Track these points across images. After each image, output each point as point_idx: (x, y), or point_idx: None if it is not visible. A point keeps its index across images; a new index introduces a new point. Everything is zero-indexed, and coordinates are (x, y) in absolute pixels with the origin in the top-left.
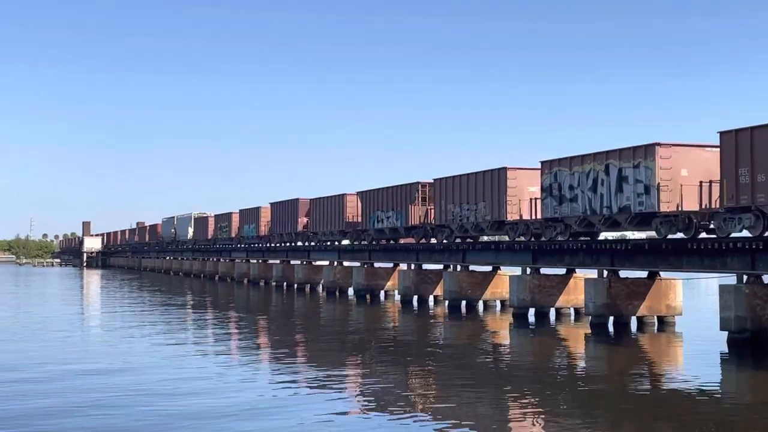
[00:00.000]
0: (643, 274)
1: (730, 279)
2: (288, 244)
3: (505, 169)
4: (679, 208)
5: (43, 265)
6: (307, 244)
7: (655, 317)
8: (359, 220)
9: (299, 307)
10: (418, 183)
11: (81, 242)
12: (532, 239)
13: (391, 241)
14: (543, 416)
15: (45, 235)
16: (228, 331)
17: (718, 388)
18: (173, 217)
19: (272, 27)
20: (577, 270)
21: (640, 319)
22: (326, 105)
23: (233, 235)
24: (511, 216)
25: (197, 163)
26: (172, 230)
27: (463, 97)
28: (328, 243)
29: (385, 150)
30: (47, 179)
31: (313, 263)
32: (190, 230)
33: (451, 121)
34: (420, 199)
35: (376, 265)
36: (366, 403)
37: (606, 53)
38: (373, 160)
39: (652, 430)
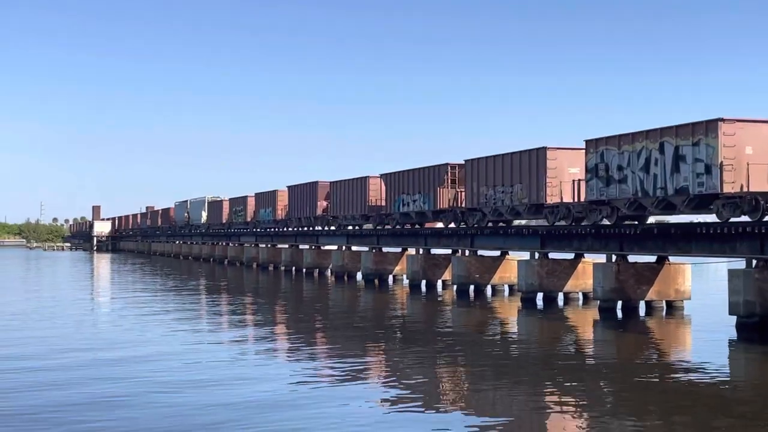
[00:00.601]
0: (652, 258)
1: (740, 263)
2: (306, 228)
3: (544, 149)
4: (744, 189)
5: (54, 249)
6: (326, 228)
7: (664, 302)
8: (383, 203)
9: (309, 292)
10: (447, 164)
11: (91, 226)
12: (573, 224)
13: (417, 226)
14: (553, 401)
15: (55, 219)
16: (243, 318)
17: (727, 372)
18: (186, 201)
19: (288, 11)
20: (585, 255)
21: (648, 304)
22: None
23: (248, 219)
24: (551, 199)
25: (207, 148)
26: (185, 214)
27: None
28: (350, 227)
29: (397, 137)
30: (57, 163)
31: (322, 248)
32: (204, 214)
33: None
34: (449, 181)
35: (385, 249)
36: (387, 392)
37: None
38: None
39: (659, 414)
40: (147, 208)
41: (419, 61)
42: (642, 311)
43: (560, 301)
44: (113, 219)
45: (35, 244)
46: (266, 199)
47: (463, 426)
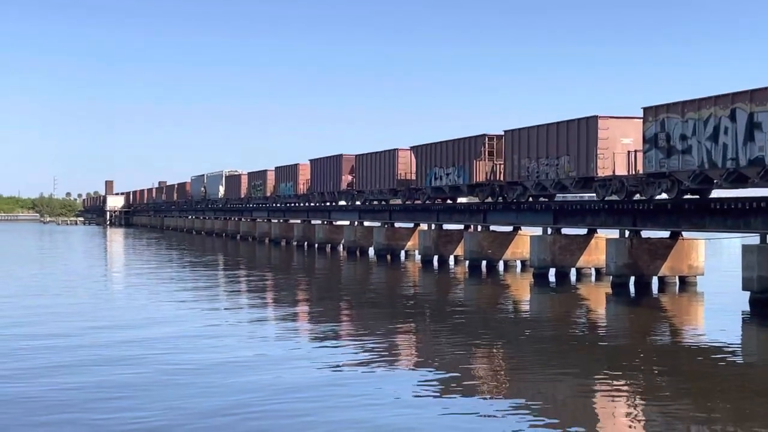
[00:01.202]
0: (666, 234)
1: (754, 239)
2: (330, 203)
3: (595, 118)
4: None
5: (67, 224)
6: (352, 203)
7: (677, 277)
8: (412, 177)
9: (321, 267)
10: (484, 135)
11: (104, 201)
12: (626, 198)
13: (448, 201)
14: (563, 374)
15: (68, 194)
16: (258, 295)
17: (739, 347)
18: (203, 175)
19: None
20: (598, 230)
21: (661, 279)
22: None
23: (268, 194)
24: (603, 171)
25: (221, 123)
26: (202, 189)
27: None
28: (376, 202)
29: (424, 109)
30: (71, 138)
31: (334, 223)
32: (221, 189)
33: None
34: (486, 153)
35: (397, 224)
36: (411, 372)
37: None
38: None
39: (673, 390)
40: (160, 183)
41: (450, 30)
42: (655, 287)
43: (573, 277)
44: (126, 194)
45: (49, 219)
46: (287, 173)
47: (486, 406)
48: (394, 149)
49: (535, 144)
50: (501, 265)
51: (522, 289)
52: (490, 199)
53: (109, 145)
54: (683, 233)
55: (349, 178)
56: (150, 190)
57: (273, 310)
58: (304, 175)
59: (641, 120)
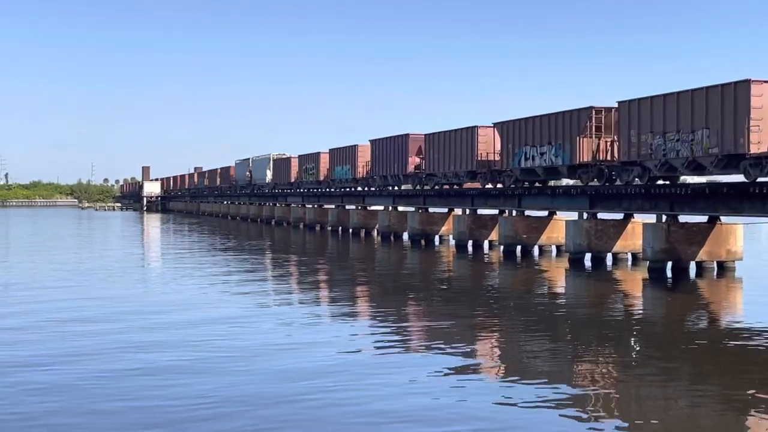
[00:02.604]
0: (703, 218)
1: None
2: (393, 188)
3: (747, 82)
4: None
5: (105, 210)
6: (419, 188)
7: (715, 262)
8: (496, 158)
9: (355, 252)
10: (591, 108)
11: (141, 187)
12: None
13: (537, 183)
14: (602, 362)
15: (106, 180)
16: (298, 279)
17: None
18: (248, 159)
19: None
20: (635, 215)
21: (699, 264)
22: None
23: (321, 177)
24: (756, 147)
25: (253, 109)
26: (247, 173)
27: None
28: (447, 186)
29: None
30: (108, 125)
31: (368, 208)
32: (269, 173)
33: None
34: (593, 128)
35: (431, 209)
36: (449, 359)
37: None
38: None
39: (709, 375)
40: (195, 168)
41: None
42: (692, 272)
43: (609, 262)
44: (163, 179)
45: (87, 205)
46: (344, 155)
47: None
48: (474, 126)
49: (661, 116)
50: (536, 250)
51: (557, 274)
52: (596, 182)
53: (146, 131)
54: (721, 218)
55: (417, 159)
56: (187, 176)
57: (313, 295)
58: (364, 157)
59: None
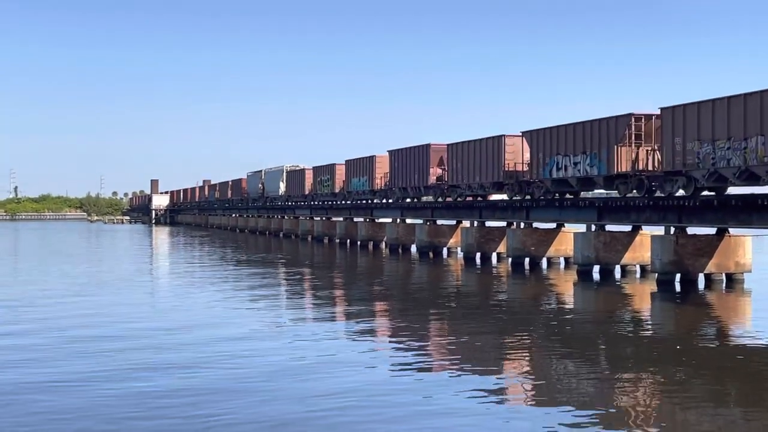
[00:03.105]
0: (712, 230)
1: None
2: (414, 200)
3: None
4: None
5: (114, 222)
6: (442, 200)
7: (724, 275)
8: (524, 168)
9: (363, 265)
10: (630, 115)
11: (149, 200)
12: None
13: (567, 194)
14: (620, 380)
15: (115, 193)
16: (308, 293)
17: None
18: (260, 171)
19: None
20: (643, 227)
21: (707, 277)
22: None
23: (337, 189)
24: None
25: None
26: (260, 185)
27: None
28: (470, 198)
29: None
30: (117, 138)
31: (376, 220)
32: (282, 185)
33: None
34: (632, 136)
35: (439, 222)
36: (464, 378)
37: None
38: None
39: (722, 389)
40: (204, 181)
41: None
42: (701, 284)
43: (617, 274)
44: (171, 192)
45: (96, 218)
46: (361, 166)
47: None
48: (500, 135)
49: (710, 122)
50: (544, 263)
51: (566, 287)
52: (635, 193)
53: (155, 144)
54: (729, 230)
55: (439, 171)
56: (195, 189)
57: (326, 310)
58: (382, 168)
59: None
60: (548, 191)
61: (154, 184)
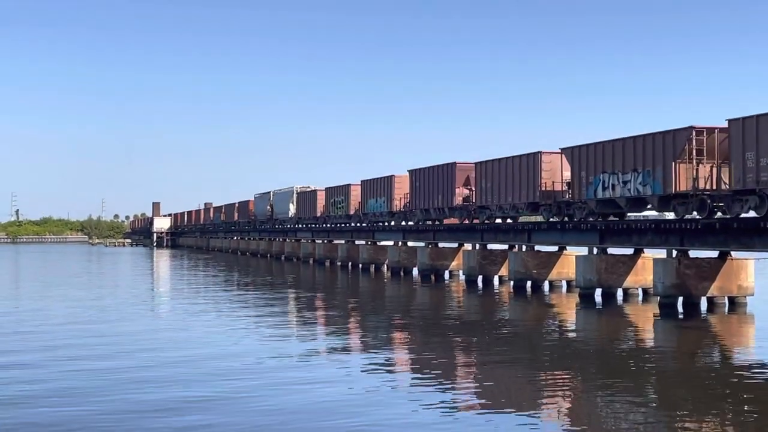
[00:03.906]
0: (714, 253)
1: None
2: (436, 222)
3: None
4: None
5: (115, 245)
6: (469, 222)
7: (726, 298)
8: (563, 187)
9: (365, 287)
10: (691, 128)
11: (151, 222)
12: None
13: (612, 216)
14: (610, 399)
15: (116, 216)
16: (308, 315)
17: None
18: (269, 193)
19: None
20: (645, 250)
21: (710, 300)
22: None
23: (352, 211)
24: None
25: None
26: (268, 207)
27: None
28: (500, 220)
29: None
30: (118, 161)
31: (378, 243)
32: (292, 207)
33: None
34: (692, 152)
35: (441, 245)
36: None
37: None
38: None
39: (725, 413)
40: (205, 204)
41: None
42: (704, 307)
43: (619, 297)
44: (173, 215)
45: (97, 241)
46: (378, 187)
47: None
48: (536, 152)
49: None
50: (546, 286)
51: (568, 310)
52: (695, 215)
53: (157, 167)
54: (732, 253)
55: (465, 191)
56: (202, 211)
57: (328, 336)
58: (402, 189)
59: None
60: (591, 212)
61: (155, 206)
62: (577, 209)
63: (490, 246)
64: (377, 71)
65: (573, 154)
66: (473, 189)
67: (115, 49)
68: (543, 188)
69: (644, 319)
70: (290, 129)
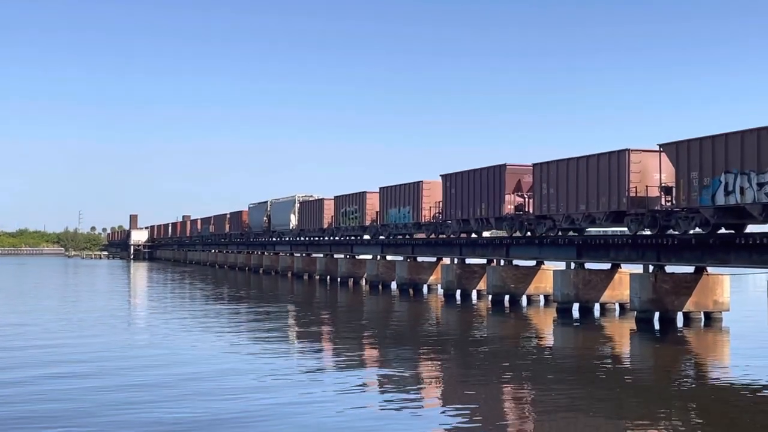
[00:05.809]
0: (690, 269)
1: None
2: (480, 234)
3: None
4: None
5: (92, 258)
6: (522, 234)
7: (702, 313)
8: (656, 193)
9: (344, 301)
10: None
11: (128, 235)
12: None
13: (729, 225)
14: (587, 413)
15: (93, 228)
16: (286, 329)
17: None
18: (266, 203)
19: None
20: (622, 265)
21: (686, 315)
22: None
23: (368, 222)
24: None
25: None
26: (264, 218)
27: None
28: (572, 233)
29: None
30: (95, 173)
31: (357, 257)
32: (293, 218)
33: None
34: None
35: (419, 259)
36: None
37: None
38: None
39: (698, 427)
40: (183, 216)
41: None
42: (680, 322)
43: (596, 312)
44: (150, 227)
45: (74, 253)
46: (401, 194)
47: None
48: (624, 150)
49: None
50: (524, 300)
51: (545, 324)
52: None
53: (134, 179)
54: (708, 268)
55: (517, 198)
56: (176, 224)
57: (299, 348)
58: (432, 197)
59: None
60: (705, 223)
61: (133, 219)
62: (681, 219)
63: (469, 260)
64: (362, 81)
65: (679, 150)
66: (526, 196)
67: (95, 59)
68: (632, 194)
69: (621, 334)
70: (268, 141)
